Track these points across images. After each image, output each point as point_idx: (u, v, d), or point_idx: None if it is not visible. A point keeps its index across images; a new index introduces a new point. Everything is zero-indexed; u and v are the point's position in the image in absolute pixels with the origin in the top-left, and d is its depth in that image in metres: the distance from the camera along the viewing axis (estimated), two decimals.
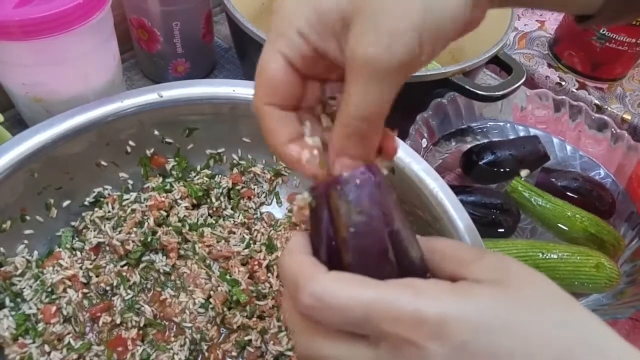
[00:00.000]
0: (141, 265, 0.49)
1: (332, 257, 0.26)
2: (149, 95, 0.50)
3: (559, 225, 0.59)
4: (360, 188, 0.26)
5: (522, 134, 0.70)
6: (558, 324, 0.23)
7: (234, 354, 0.45)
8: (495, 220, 0.58)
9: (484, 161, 0.63)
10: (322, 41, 0.25)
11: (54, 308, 0.45)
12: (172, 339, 0.45)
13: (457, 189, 0.58)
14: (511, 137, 0.69)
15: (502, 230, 0.58)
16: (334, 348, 0.25)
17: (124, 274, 0.48)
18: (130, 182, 0.54)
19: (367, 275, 0.25)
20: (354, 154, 0.26)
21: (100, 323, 0.45)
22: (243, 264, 0.51)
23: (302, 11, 0.25)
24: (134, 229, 0.49)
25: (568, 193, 0.61)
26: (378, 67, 0.23)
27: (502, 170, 0.63)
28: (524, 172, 0.63)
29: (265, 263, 0.50)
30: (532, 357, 0.22)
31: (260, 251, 0.51)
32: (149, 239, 0.49)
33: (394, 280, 0.24)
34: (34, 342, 0.43)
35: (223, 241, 0.52)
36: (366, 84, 0.24)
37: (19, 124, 0.62)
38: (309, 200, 0.28)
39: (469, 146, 0.66)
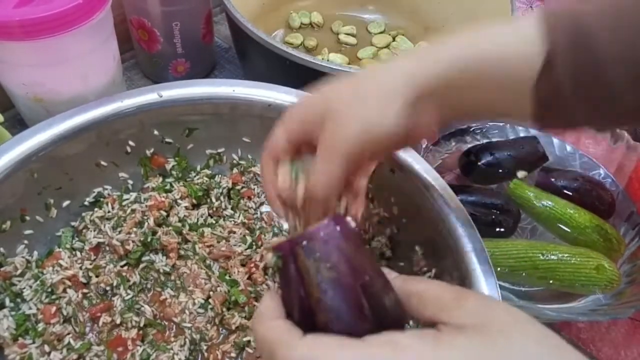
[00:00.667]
0: (141, 266, 0.49)
1: (306, 317, 0.25)
2: (149, 95, 0.50)
3: (560, 225, 0.59)
4: (327, 243, 0.25)
5: (522, 134, 0.70)
6: None
7: (233, 354, 0.45)
8: (496, 220, 0.58)
9: (482, 162, 0.63)
10: (308, 133, 0.36)
11: (54, 308, 0.45)
12: (172, 339, 0.45)
13: (457, 189, 0.58)
14: (511, 137, 0.69)
15: (503, 230, 0.58)
16: None
17: (124, 274, 0.48)
18: (130, 182, 0.54)
19: (344, 333, 0.24)
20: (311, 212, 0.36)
21: (100, 323, 0.45)
22: (243, 265, 0.51)
23: (296, 116, 0.37)
24: (134, 229, 0.49)
25: (568, 192, 0.61)
26: (334, 153, 0.34)
27: (500, 171, 0.63)
28: (521, 174, 0.63)
29: (262, 265, 0.50)
30: None
31: (257, 253, 0.51)
32: (149, 239, 0.49)
33: (372, 337, 0.24)
34: (34, 342, 0.43)
35: (223, 241, 0.52)
36: (324, 162, 0.34)
37: (19, 124, 0.62)
38: (274, 261, 0.27)
39: (468, 146, 0.66)
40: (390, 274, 0.28)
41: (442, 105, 0.35)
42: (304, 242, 0.25)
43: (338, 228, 0.26)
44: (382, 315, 0.25)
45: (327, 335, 0.24)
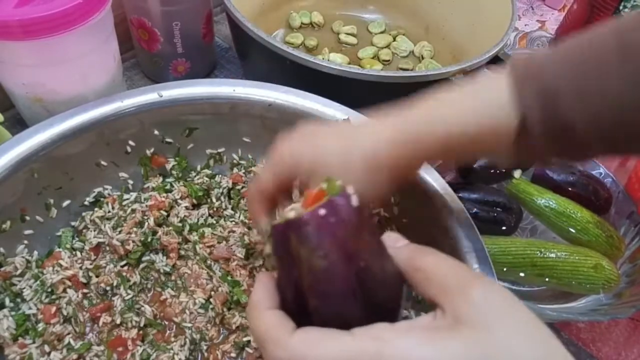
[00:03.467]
0: (141, 266, 0.49)
1: (299, 299, 0.26)
2: (149, 95, 0.50)
3: (562, 221, 0.58)
4: (320, 229, 0.24)
5: None
6: None
7: (233, 354, 0.45)
8: (498, 218, 0.58)
9: (478, 163, 0.62)
10: (293, 174, 0.39)
11: (54, 308, 0.45)
12: (172, 339, 0.45)
13: (459, 186, 0.58)
14: None
15: (505, 228, 0.58)
16: None
17: (124, 274, 0.47)
18: (130, 182, 0.54)
19: (334, 319, 0.25)
20: None
21: (100, 323, 0.45)
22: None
23: (285, 162, 0.39)
24: (134, 229, 0.49)
25: (564, 187, 0.61)
26: None
27: (498, 171, 0.63)
28: (517, 173, 0.63)
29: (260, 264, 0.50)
30: None
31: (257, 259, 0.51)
32: (149, 239, 0.49)
33: (361, 331, 0.24)
34: (34, 342, 0.43)
35: (224, 241, 0.52)
36: None
37: (19, 123, 0.62)
38: (268, 243, 0.28)
39: None
40: (399, 241, 0.29)
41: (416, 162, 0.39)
42: (298, 228, 0.24)
43: (335, 211, 0.25)
44: (375, 300, 0.25)
45: (316, 329, 0.25)
